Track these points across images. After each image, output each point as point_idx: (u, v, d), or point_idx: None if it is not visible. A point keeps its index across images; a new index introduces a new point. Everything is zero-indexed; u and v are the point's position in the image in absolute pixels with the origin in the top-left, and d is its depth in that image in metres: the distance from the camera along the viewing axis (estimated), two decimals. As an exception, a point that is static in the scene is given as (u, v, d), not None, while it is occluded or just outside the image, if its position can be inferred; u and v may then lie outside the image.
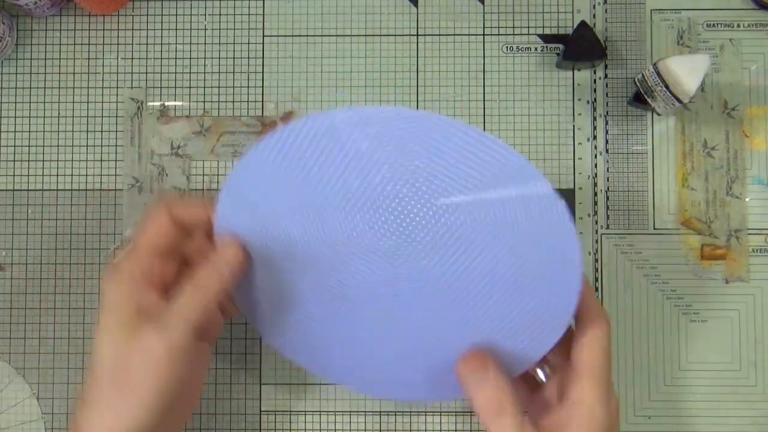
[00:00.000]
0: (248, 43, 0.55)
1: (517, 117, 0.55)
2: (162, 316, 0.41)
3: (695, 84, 0.48)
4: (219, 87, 0.55)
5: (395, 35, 0.55)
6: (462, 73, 0.55)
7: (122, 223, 0.55)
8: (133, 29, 0.56)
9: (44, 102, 0.55)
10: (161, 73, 0.55)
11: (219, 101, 0.55)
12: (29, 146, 0.55)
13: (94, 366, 0.41)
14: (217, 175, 0.55)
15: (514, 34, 0.55)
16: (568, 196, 0.54)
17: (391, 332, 0.47)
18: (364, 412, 0.54)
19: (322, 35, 0.55)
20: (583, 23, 0.53)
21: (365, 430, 0.53)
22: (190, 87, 0.55)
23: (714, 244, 0.53)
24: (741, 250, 0.53)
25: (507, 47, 0.55)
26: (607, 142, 0.54)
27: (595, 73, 0.55)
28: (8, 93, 0.55)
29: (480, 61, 0.55)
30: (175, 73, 0.55)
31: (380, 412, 0.53)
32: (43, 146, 0.55)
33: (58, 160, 0.55)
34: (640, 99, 0.51)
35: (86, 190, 0.55)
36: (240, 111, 0.55)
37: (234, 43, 0.55)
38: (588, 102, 0.55)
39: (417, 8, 0.55)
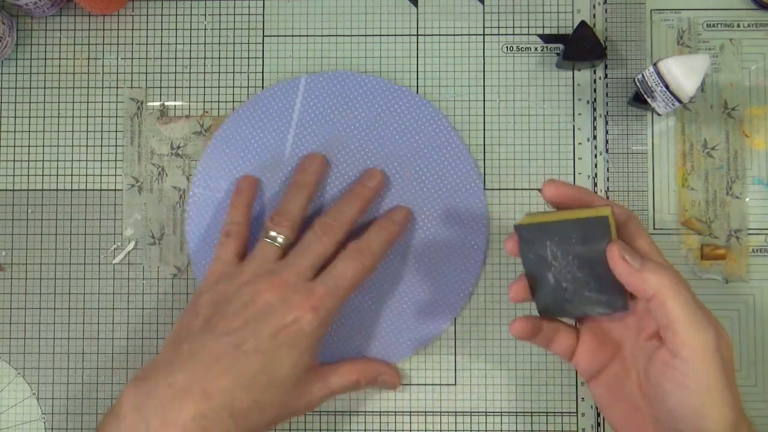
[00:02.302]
0: (248, 43, 0.55)
1: (517, 117, 0.55)
2: None
3: (695, 84, 0.48)
4: (219, 87, 0.55)
5: (395, 35, 0.55)
6: (462, 73, 0.55)
7: (122, 223, 0.55)
8: (133, 29, 0.56)
9: (44, 102, 0.55)
10: (161, 73, 0.55)
11: (219, 101, 0.55)
12: (29, 146, 0.55)
13: None
14: (217, 175, 0.55)
15: (514, 34, 0.55)
16: (568, 196, 0.54)
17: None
18: (365, 412, 0.53)
19: (322, 35, 0.55)
20: (583, 23, 0.53)
21: (365, 430, 0.53)
22: (190, 87, 0.55)
23: (714, 244, 0.53)
24: (741, 250, 0.53)
25: (507, 47, 0.55)
26: (607, 142, 0.54)
27: (595, 73, 0.55)
28: (8, 93, 0.55)
29: (480, 61, 0.55)
30: (175, 73, 0.55)
31: (380, 412, 0.53)
32: (43, 146, 0.55)
33: (58, 160, 0.55)
34: (640, 99, 0.51)
35: (86, 190, 0.55)
36: (240, 111, 0.55)
37: (234, 43, 0.55)
38: (588, 102, 0.55)
39: (417, 8, 0.55)
